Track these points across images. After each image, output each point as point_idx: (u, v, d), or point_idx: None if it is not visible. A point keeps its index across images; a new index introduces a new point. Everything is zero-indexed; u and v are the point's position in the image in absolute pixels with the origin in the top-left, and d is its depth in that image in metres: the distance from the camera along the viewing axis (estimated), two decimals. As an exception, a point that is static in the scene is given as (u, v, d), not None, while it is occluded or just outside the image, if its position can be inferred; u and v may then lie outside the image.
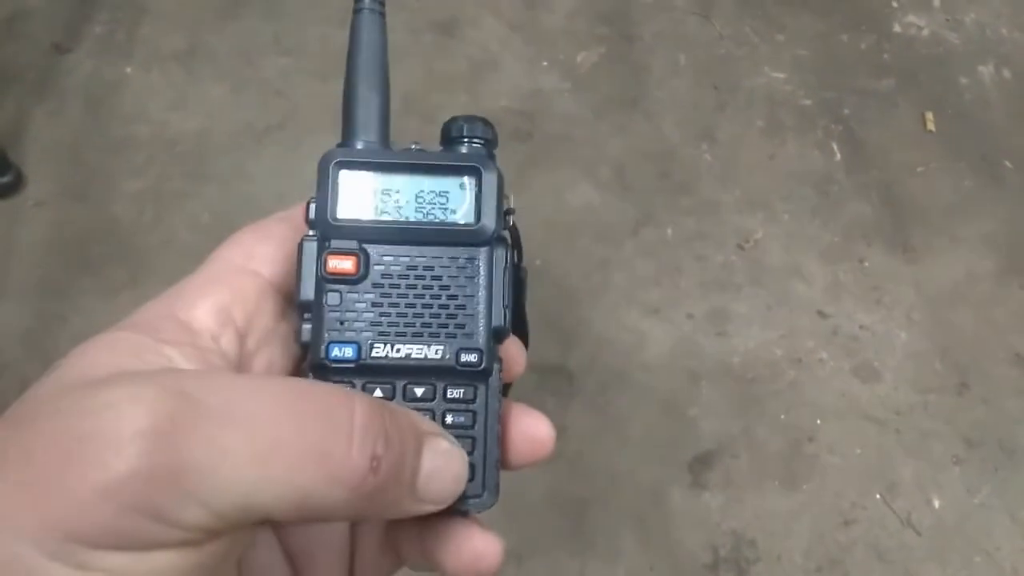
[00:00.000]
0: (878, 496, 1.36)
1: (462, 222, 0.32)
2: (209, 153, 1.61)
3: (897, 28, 1.93)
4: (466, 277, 0.32)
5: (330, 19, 1.78)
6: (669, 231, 1.60)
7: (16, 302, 1.42)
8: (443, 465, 0.28)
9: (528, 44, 1.82)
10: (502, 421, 0.32)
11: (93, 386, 0.25)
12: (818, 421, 1.42)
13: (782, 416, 1.42)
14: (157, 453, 0.23)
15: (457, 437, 0.31)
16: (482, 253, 0.32)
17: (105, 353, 0.27)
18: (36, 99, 1.64)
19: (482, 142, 0.33)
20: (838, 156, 1.73)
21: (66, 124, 1.62)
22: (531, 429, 0.33)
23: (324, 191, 0.32)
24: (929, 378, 1.48)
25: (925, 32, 1.94)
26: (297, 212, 0.33)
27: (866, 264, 1.59)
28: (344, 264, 0.31)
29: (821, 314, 1.53)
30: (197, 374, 0.27)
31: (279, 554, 0.33)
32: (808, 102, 1.79)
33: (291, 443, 0.25)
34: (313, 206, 0.32)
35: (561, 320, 1.47)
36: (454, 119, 0.33)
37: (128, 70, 1.70)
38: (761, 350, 1.48)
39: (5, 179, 1.51)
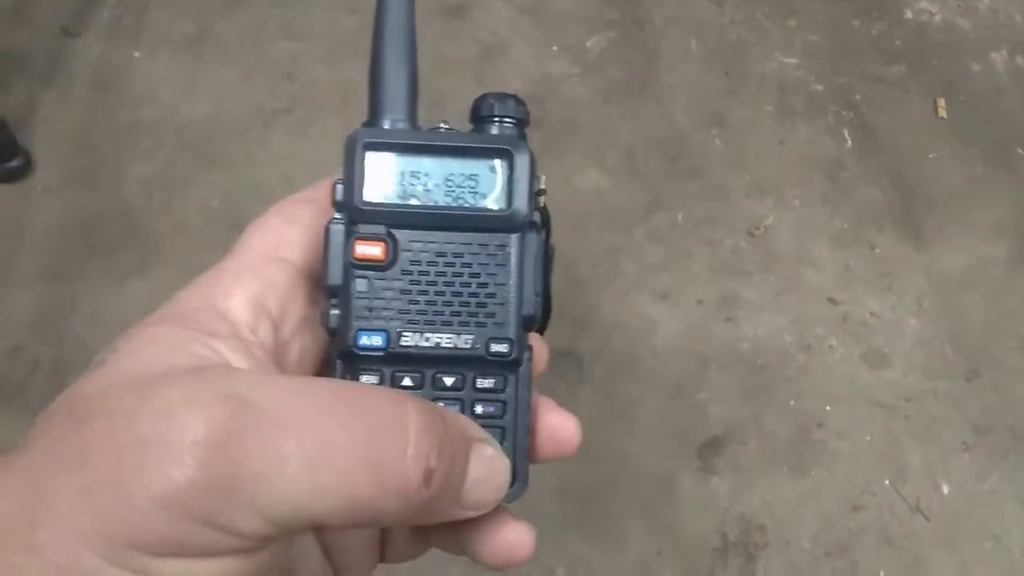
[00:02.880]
0: (887, 482, 1.36)
1: (493, 207, 0.31)
2: (218, 138, 1.60)
3: (909, 14, 1.92)
4: (497, 264, 0.31)
5: (339, 4, 1.78)
6: (679, 216, 1.59)
7: (26, 286, 1.43)
8: (488, 473, 0.28)
9: (538, 28, 1.81)
10: (530, 419, 0.32)
11: (146, 386, 0.25)
12: (827, 407, 1.42)
13: (791, 402, 1.42)
14: (214, 462, 0.23)
15: (486, 427, 0.30)
16: (513, 239, 0.31)
17: (152, 347, 0.27)
18: (45, 84, 1.64)
19: (513, 121, 0.32)
20: (849, 142, 1.72)
21: (75, 109, 1.62)
22: (557, 427, 0.33)
23: (351, 173, 0.31)
24: (939, 364, 1.48)
25: (937, 18, 1.92)
26: (322, 192, 0.32)
27: (876, 250, 1.59)
28: (372, 250, 0.31)
29: (831, 300, 1.52)
30: (249, 376, 0.27)
31: (311, 537, 0.33)
32: (819, 88, 1.78)
33: (345, 452, 0.25)
34: (340, 187, 0.31)
35: (570, 306, 1.47)
36: (484, 97, 0.33)
37: (136, 54, 1.69)
38: (770, 336, 1.48)
39: (14, 163, 1.51)
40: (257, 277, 0.31)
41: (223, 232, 1.49)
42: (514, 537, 0.31)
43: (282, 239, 0.32)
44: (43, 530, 0.22)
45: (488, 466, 0.28)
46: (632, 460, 1.35)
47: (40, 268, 1.45)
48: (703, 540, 1.30)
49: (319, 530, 0.33)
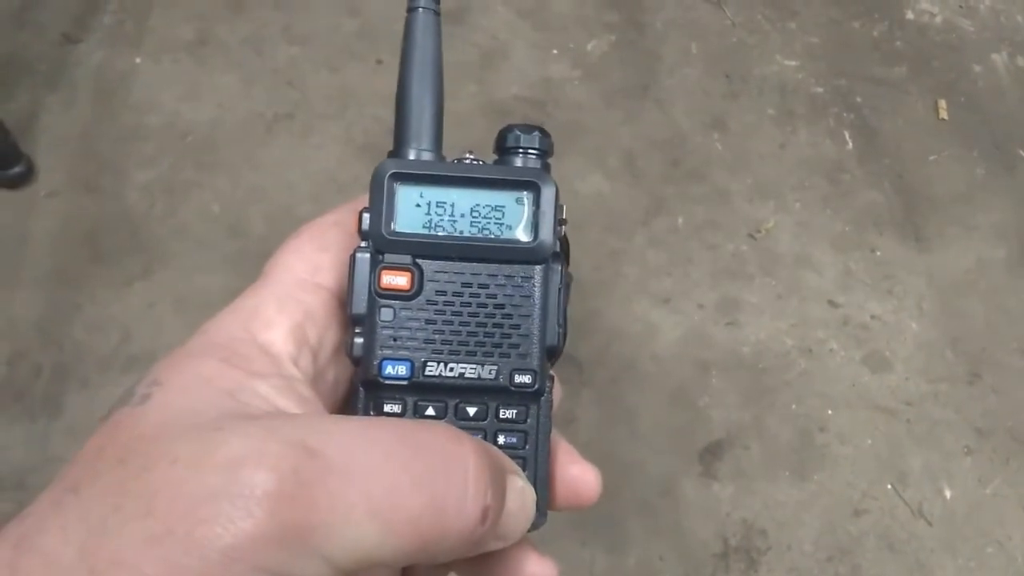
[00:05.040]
0: (889, 486, 1.36)
1: (519, 239, 0.32)
2: (219, 143, 1.61)
3: (910, 15, 1.92)
4: (521, 296, 0.32)
5: (340, 8, 1.78)
6: (680, 220, 1.59)
7: (30, 291, 1.43)
8: (519, 504, 0.29)
9: (538, 32, 1.81)
10: (550, 463, 0.32)
11: (207, 432, 0.25)
12: (829, 411, 1.42)
13: (793, 406, 1.42)
14: (285, 514, 0.23)
15: (509, 457, 0.31)
16: (538, 271, 0.32)
17: (200, 387, 0.27)
18: (47, 90, 1.64)
19: (538, 153, 0.33)
20: (850, 145, 1.72)
21: (77, 114, 1.62)
22: (579, 479, 0.34)
23: (379, 203, 0.31)
24: (940, 368, 1.47)
25: (938, 19, 1.92)
26: (347, 215, 0.33)
27: (878, 253, 1.59)
28: (398, 280, 0.31)
29: (832, 303, 1.52)
30: (310, 423, 0.27)
31: None
32: (820, 90, 1.78)
33: (410, 496, 0.25)
34: (366, 217, 0.31)
35: (571, 311, 1.47)
36: (510, 128, 0.33)
37: (138, 60, 1.70)
38: (772, 340, 1.48)
39: (17, 170, 1.51)
40: (298, 305, 0.31)
41: (224, 237, 1.50)
42: (537, 571, 0.31)
43: (317, 265, 0.32)
44: None
45: (519, 497, 0.29)
46: (634, 465, 1.35)
47: (42, 274, 1.45)
48: (705, 545, 1.30)
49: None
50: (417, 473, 0.25)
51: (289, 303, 0.31)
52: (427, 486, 0.25)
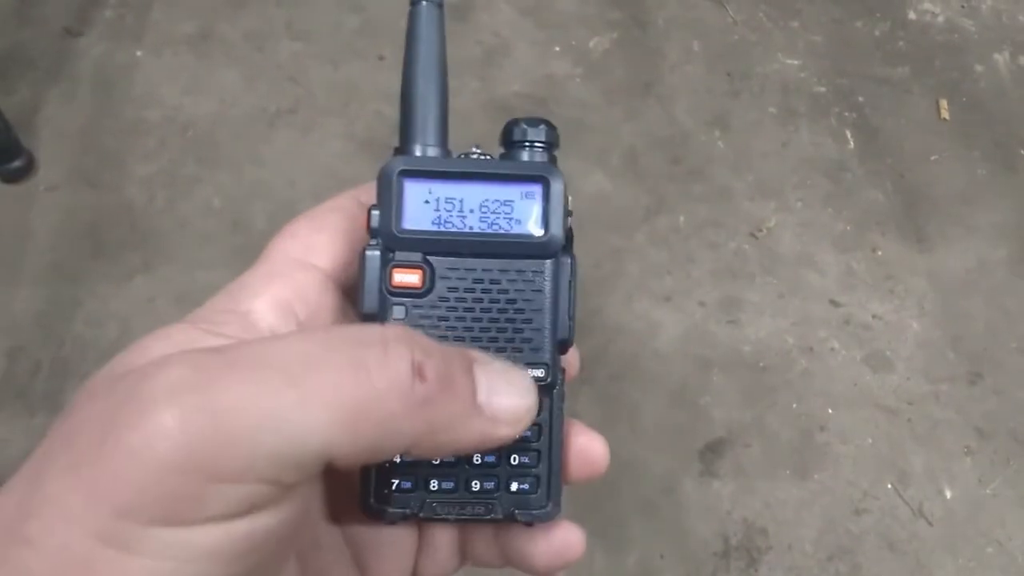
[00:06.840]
0: (889, 486, 1.36)
1: (529, 234, 0.31)
2: (221, 138, 1.60)
3: (912, 15, 1.92)
4: (532, 290, 0.31)
5: (342, 4, 1.78)
6: (681, 219, 1.59)
7: (30, 286, 1.42)
8: (503, 378, 0.27)
9: (540, 29, 1.81)
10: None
11: (133, 370, 0.24)
12: (830, 410, 1.42)
13: (794, 405, 1.42)
14: (190, 401, 0.22)
15: (522, 451, 0.31)
16: (548, 264, 0.32)
17: (157, 343, 0.27)
18: (48, 83, 1.64)
19: (544, 146, 0.33)
20: (852, 144, 1.72)
21: (78, 108, 1.62)
22: (587, 448, 0.33)
23: (387, 201, 0.31)
24: (941, 368, 1.47)
25: (940, 19, 1.92)
26: (348, 201, 0.33)
27: (879, 253, 1.59)
28: (410, 278, 0.31)
29: (833, 303, 1.52)
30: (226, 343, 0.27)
31: (343, 547, 0.32)
32: (822, 89, 1.78)
33: (324, 360, 0.24)
34: (376, 214, 0.31)
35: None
36: (516, 122, 0.33)
37: (139, 54, 1.69)
38: (773, 339, 1.48)
39: (17, 163, 1.51)
40: (286, 282, 0.31)
41: (226, 232, 1.49)
42: (564, 536, 0.32)
43: (310, 245, 0.32)
44: (35, 520, 0.22)
45: (502, 373, 0.27)
46: (634, 463, 1.35)
47: (43, 268, 1.45)
48: (705, 543, 1.30)
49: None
50: (332, 343, 0.24)
51: (278, 279, 0.31)
52: (341, 350, 0.24)
